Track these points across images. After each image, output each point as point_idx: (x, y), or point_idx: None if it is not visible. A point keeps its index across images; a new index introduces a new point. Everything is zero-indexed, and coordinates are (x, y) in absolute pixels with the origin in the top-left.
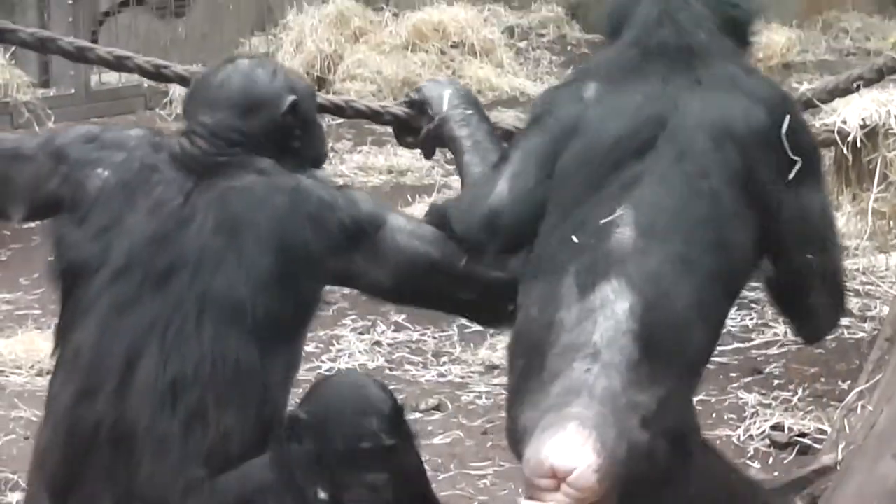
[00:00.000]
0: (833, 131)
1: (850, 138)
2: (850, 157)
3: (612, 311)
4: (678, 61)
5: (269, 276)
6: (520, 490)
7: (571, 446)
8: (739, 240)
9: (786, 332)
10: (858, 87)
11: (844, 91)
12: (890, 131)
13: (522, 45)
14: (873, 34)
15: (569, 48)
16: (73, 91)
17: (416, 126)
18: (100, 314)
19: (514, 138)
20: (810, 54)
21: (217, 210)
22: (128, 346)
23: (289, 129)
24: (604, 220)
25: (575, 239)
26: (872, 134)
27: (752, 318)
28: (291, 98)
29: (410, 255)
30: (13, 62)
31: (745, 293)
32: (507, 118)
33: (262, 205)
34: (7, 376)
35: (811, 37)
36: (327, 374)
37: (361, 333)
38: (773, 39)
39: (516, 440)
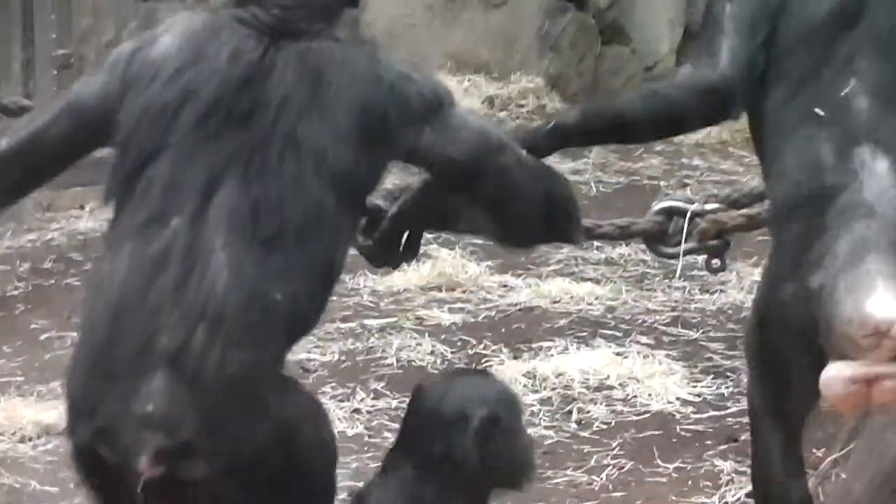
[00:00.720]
0: None
1: None
2: None
3: (874, 170)
4: None
5: (346, 137)
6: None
7: (888, 300)
8: None
9: None
10: None
11: None
12: None
13: (503, 115)
14: None
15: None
16: None
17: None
18: (176, 150)
19: (715, 9)
20: None
21: (297, 65)
22: (207, 173)
23: None
24: (842, 92)
25: (819, 112)
26: None
27: (727, 387)
28: None
29: (481, 131)
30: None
31: (721, 362)
32: None
33: (342, 68)
34: None
35: None
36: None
37: (341, 401)
38: None
39: (804, 305)
